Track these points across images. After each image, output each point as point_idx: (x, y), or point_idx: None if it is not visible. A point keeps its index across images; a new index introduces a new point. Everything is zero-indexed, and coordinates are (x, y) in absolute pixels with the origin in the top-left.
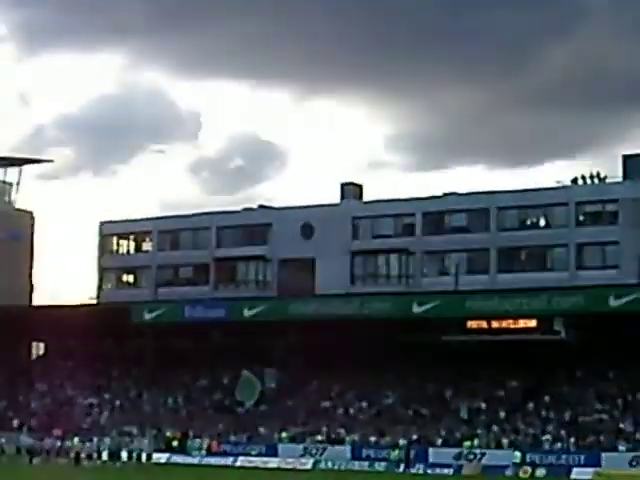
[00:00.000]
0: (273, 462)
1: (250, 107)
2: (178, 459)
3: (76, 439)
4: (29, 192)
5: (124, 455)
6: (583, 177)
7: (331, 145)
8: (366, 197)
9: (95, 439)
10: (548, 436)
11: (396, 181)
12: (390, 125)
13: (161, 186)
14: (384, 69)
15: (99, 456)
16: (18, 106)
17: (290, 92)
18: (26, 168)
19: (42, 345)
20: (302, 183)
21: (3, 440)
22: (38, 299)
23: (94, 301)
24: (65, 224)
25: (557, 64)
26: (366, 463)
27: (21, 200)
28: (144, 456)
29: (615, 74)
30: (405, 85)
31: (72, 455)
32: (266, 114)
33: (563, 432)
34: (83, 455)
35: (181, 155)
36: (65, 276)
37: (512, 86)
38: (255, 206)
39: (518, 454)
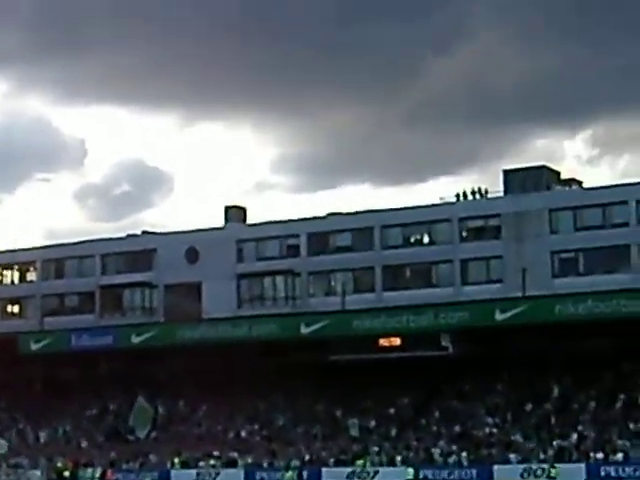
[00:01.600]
0: None
1: (135, 133)
2: None
3: None
4: None
5: None
6: (464, 194)
7: (217, 169)
8: (252, 220)
9: None
10: (440, 450)
11: (283, 203)
12: (276, 147)
13: (47, 215)
14: (269, 91)
15: None
16: None
17: (175, 117)
18: None
19: None
20: (189, 208)
21: None
22: None
23: None
24: None
25: (440, 81)
26: None
27: None
28: None
29: (496, 90)
30: (291, 106)
31: None
32: (151, 139)
33: (455, 447)
34: None
35: (67, 183)
36: None
37: (397, 105)
38: (139, 232)
39: (411, 471)
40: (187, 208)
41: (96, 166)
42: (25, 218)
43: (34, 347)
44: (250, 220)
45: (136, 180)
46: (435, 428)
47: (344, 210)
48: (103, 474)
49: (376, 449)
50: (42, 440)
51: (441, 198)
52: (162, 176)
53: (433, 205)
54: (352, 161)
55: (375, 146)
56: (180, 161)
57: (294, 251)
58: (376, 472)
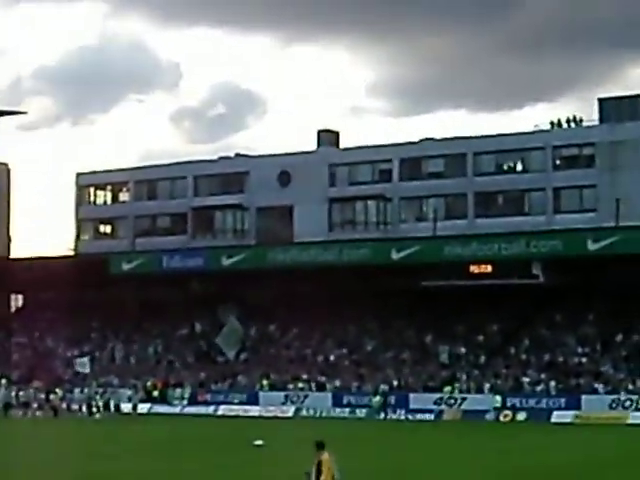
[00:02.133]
0: (254, 410)
1: (231, 55)
2: (159, 409)
3: (57, 391)
4: (6, 144)
5: (109, 406)
6: (559, 122)
7: (312, 92)
8: (345, 144)
9: (76, 390)
10: (528, 379)
11: (378, 127)
12: (372, 70)
13: (142, 136)
14: (366, 14)
15: (80, 408)
16: None
17: (271, 38)
18: (5, 120)
19: (20, 297)
20: (283, 131)
21: None
22: (15, 251)
23: (72, 252)
24: (43, 176)
25: (539, 8)
26: (347, 410)
27: None
28: (128, 407)
29: (597, 18)
30: (387, 30)
31: (51, 407)
32: (247, 62)
33: (543, 375)
34: (64, 406)
35: (162, 104)
36: (42, 228)
37: (495, 30)
38: (232, 154)
39: (499, 398)
40: (281, 131)
41: (191, 88)
42: (120, 139)
43: (126, 267)
44: (343, 144)
45: (231, 102)
46: (524, 356)
47: (439, 136)
48: (193, 395)
49: (464, 376)
50: (132, 360)
51: (535, 125)
52: (257, 98)
53: (527, 132)
54: (448, 86)
55: (472, 71)
56: (275, 83)
57: (386, 176)
58: (464, 399)
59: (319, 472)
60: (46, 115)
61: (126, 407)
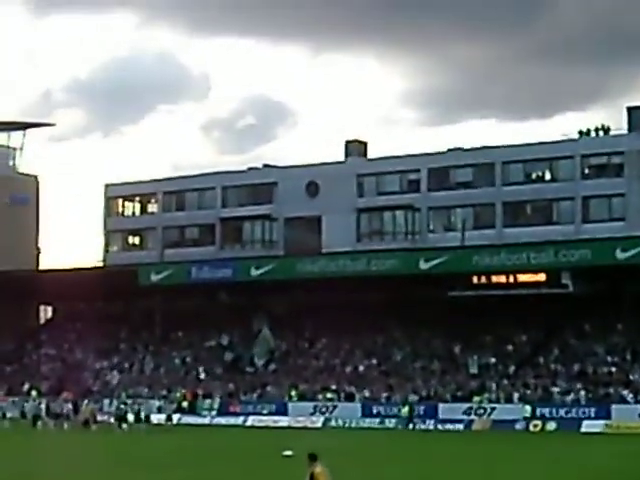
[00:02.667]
0: (283, 421)
1: (261, 65)
2: (189, 420)
3: (85, 402)
4: (36, 156)
5: (139, 417)
6: (587, 130)
7: (342, 102)
8: (375, 154)
9: (105, 402)
10: (558, 389)
11: (408, 137)
12: (402, 80)
13: (172, 146)
14: (395, 23)
15: (109, 419)
16: (27, 69)
17: (302, 49)
18: (35, 131)
19: (50, 309)
20: (313, 141)
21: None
22: (44, 263)
23: (101, 264)
24: (71, 187)
25: (568, 17)
26: (376, 420)
27: (26, 164)
28: (158, 418)
29: (626, 26)
30: (417, 40)
31: (81, 419)
32: (277, 72)
33: (573, 385)
34: (93, 418)
35: (192, 115)
36: (71, 239)
37: (525, 39)
38: (260, 165)
39: (528, 408)
40: (310, 142)
41: (221, 99)
42: (150, 150)
43: (154, 278)
44: (372, 154)
45: (261, 113)
46: (553, 366)
47: (469, 145)
48: (223, 405)
49: (494, 386)
50: (161, 371)
51: (564, 135)
52: (286, 109)
53: (555, 142)
54: (477, 95)
55: (501, 80)
56: (305, 94)
57: (414, 186)
58: (493, 409)
59: None
60: (77, 126)
61: (155, 418)
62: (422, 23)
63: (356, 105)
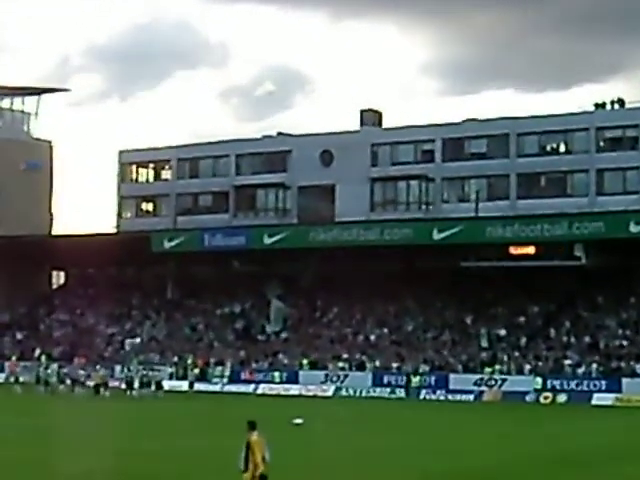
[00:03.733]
0: (294, 389)
1: (280, 32)
2: (200, 387)
3: (97, 367)
4: (54, 120)
5: (150, 383)
6: (603, 103)
7: (362, 71)
8: (392, 123)
9: (117, 368)
10: (569, 361)
11: (426, 106)
12: (421, 50)
13: (189, 113)
14: None
15: (121, 385)
16: (46, 34)
17: (322, 16)
18: (52, 97)
19: (62, 274)
20: (331, 110)
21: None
22: (58, 229)
23: (114, 230)
24: (87, 153)
25: None
26: (387, 389)
27: (41, 129)
28: (169, 384)
29: None
30: (437, 9)
31: (91, 384)
32: (296, 39)
33: (584, 358)
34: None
35: (209, 82)
36: (85, 205)
37: (544, 10)
38: (274, 133)
39: (539, 380)
40: (328, 110)
41: (240, 66)
42: (167, 116)
43: (167, 245)
44: (389, 124)
45: (279, 80)
46: (565, 338)
47: (486, 116)
48: (234, 373)
49: (505, 357)
50: (173, 338)
51: (579, 107)
52: (305, 77)
53: (570, 114)
54: (496, 66)
55: (521, 51)
56: (324, 62)
57: (429, 156)
58: (504, 380)
59: (248, 452)
60: (94, 92)
61: (167, 385)
62: None
63: (375, 74)
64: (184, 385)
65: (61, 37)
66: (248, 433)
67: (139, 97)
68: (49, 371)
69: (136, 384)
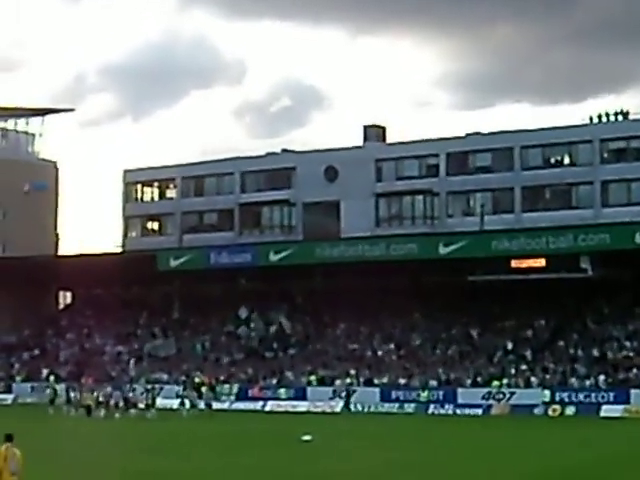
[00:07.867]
0: (302, 406)
1: (296, 48)
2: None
3: (108, 388)
4: (61, 141)
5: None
6: (607, 115)
7: (378, 86)
8: (394, 138)
9: (127, 387)
10: (577, 373)
11: (442, 120)
12: (436, 63)
13: (203, 131)
14: (431, 6)
15: (127, 404)
16: (60, 53)
17: (339, 32)
18: (59, 117)
19: (69, 294)
20: (344, 126)
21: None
22: (63, 249)
23: (119, 249)
24: (93, 173)
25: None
26: (395, 405)
27: (48, 150)
28: (177, 403)
29: None
30: (453, 23)
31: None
32: (313, 55)
33: (592, 370)
34: (112, 403)
35: (224, 99)
36: (90, 225)
37: (559, 23)
38: (279, 150)
39: (547, 393)
40: (343, 126)
41: (255, 82)
42: (180, 135)
43: (173, 264)
44: (393, 139)
45: (293, 97)
46: (572, 351)
47: (482, 130)
48: (242, 390)
49: (513, 371)
50: (180, 356)
51: (582, 119)
52: (320, 93)
53: (574, 126)
54: (511, 79)
55: (536, 64)
56: (340, 78)
57: (433, 171)
58: (512, 393)
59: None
60: (108, 111)
61: (174, 403)
62: (458, 6)
63: (391, 89)
64: (186, 403)
65: (77, 56)
66: (4, 444)
67: (153, 116)
68: (48, 391)
69: (142, 404)
